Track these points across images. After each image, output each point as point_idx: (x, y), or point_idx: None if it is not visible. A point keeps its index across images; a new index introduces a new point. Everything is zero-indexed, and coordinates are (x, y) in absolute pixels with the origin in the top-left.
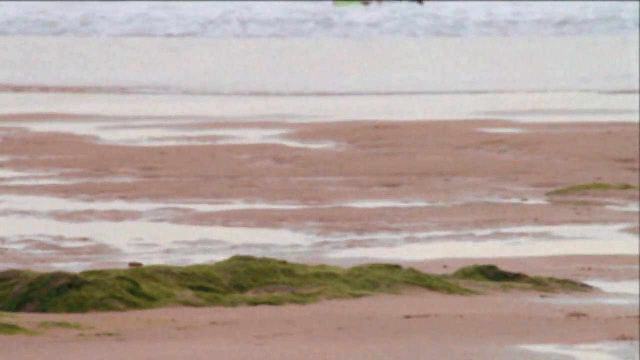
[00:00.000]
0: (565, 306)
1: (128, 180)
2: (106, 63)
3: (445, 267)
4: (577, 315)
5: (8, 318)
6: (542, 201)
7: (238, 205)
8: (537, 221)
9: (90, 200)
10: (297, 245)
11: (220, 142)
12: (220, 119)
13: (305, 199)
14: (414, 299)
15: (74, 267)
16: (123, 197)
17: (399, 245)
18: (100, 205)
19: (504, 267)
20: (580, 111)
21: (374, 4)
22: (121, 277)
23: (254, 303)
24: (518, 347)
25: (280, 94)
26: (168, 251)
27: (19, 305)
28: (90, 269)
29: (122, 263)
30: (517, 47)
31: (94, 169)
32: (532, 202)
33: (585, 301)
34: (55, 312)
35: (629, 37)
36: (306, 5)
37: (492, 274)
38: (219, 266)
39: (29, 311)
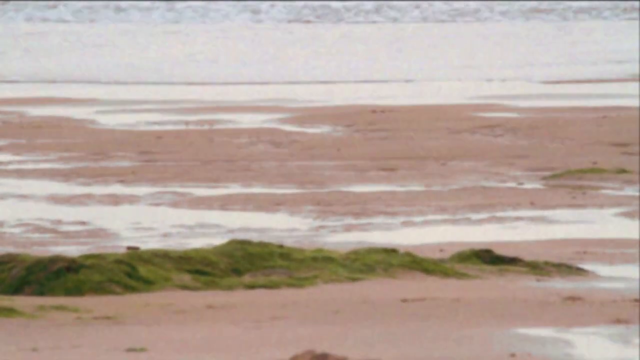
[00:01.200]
0: (561, 289)
1: (126, 164)
2: (110, 50)
3: (441, 250)
4: (573, 298)
5: (6, 301)
6: (538, 185)
7: (235, 189)
8: (533, 205)
9: (88, 184)
10: (294, 229)
11: (217, 127)
12: (218, 103)
13: (302, 183)
14: (410, 282)
15: (72, 250)
16: (121, 181)
17: (396, 229)
18: (98, 189)
19: (499, 251)
20: (576, 95)
21: None
22: (119, 261)
23: (251, 286)
24: (514, 330)
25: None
26: (165, 235)
27: (17, 288)
28: (88, 252)
29: (119, 247)
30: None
31: (92, 153)
32: (528, 186)
33: (581, 284)
34: (53, 295)
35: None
36: None
37: (488, 258)
38: (216, 250)
39: (27, 294)
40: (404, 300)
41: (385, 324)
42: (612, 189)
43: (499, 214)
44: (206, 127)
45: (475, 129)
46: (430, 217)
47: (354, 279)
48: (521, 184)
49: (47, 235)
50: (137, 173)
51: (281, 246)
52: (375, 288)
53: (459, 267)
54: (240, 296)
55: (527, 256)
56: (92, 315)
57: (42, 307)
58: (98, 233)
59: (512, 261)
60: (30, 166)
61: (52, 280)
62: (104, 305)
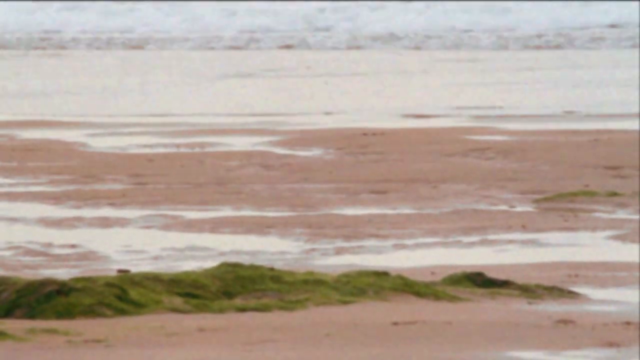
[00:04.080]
0: (553, 313)
1: (116, 187)
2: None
3: (432, 273)
4: (564, 321)
5: None
6: (529, 208)
7: (226, 211)
8: (524, 228)
9: (79, 207)
10: (285, 252)
11: (208, 149)
12: (209, 126)
13: (293, 205)
14: (402, 305)
15: (63, 273)
16: (111, 204)
17: (387, 252)
18: (89, 212)
19: (491, 274)
20: (567, 118)
21: None
22: (109, 284)
23: (242, 309)
24: (505, 353)
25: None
26: (156, 258)
27: (7, 311)
28: (78, 275)
29: (110, 270)
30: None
31: (83, 175)
32: (519, 209)
33: (573, 308)
34: (44, 318)
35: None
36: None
37: (479, 281)
38: (207, 273)
39: (17, 317)
40: (395, 324)
41: (376, 347)
42: (604, 212)
43: (491, 237)
44: (197, 149)
45: (466, 151)
46: (422, 240)
47: (345, 302)
48: (513, 207)
49: (38, 258)
50: (127, 196)
51: (272, 269)
52: (367, 311)
53: (451, 290)
54: (231, 319)
55: (518, 279)
56: (82, 338)
57: (32, 330)
58: (88, 256)
59: (504, 284)
60: (20, 189)
61: (42, 303)
62: (95, 328)
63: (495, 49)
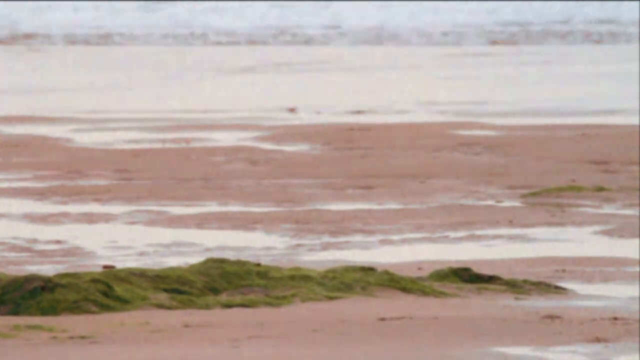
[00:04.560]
0: (540, 308)
1: (102, 182)
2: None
3: (419, 269)
4: (552, 317)
5: None
6: (516, 203)
7: (212, 207)
8: (511, 223)
9: (64, 203)
10: (271, 248)
11: (194, 144)
12: (195, 121)
13: (279, 201)
14: (388, 301)
15: (48, 269)
16: (97, 200)
17: (373, 248)
18: (74, 208)
19: (478, 269)
20: (554, 113)
21: None
22: (95, 280)
23: (228, 305)
24: (492, 349)
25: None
26: (142, 253)
27: None
28: (63, 271)
29: (95, 265)
30: None
31: (68, 171)
32: (506, 204)
33: (560, 303)
34: (28, 314)
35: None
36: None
37: (466, 276)
38: (193, 268)
39: (2, 314)
40: (382, 319)
41: (363, 343)
42: (591, 207)
43: (478, 232)
44: (183, 145)
45: (453, 146)
46: (409, 235)
47: (331, 298)
48: (500, 202)
49: (23, 254)
50: (113, 191)
51: (258, 265)
52: (353, 307)
53: (438, 285)
54: (217, 315)
55: (505, 274)
56: (67, 334)
57: (17, 327)
58: (74, 252)
59: (491, 279)
60: (5, 185)
61: (27, 299)
62: (80, 324)
63: (480, 44)
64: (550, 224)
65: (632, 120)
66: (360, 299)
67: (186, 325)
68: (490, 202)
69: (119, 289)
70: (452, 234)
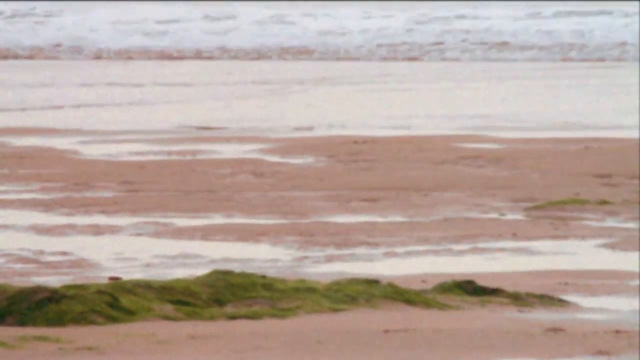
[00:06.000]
0: (543, 321)
1: (108, 194)
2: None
3: (423, 281)
4: (555, 329)
5: None
6: (519, 216)
7: (217, 219)
8: (514, 236)
9: (70, 215)
10: (276, 260)
11: (199, 157)
12: (200, 133)
13: (284, 213)
14: (393, 313)
15: (54, 280)
16: (103, 212)
17: (378, 260)
18: (80, 220)
19: (482, 282)
20: (558, 126)
21: None
22: (100, 291)
23: (233, 317)
24: None
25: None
26: (147, 265)
27: None
28: (69, 282)
29: (101, 277)
30: None
31: (74, 183)
32: (510, 217)
33: (563, 316)
34: (35, 325)
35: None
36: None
37: (470, 289)
38: (198, 280)
39: (9, 325)
40: (386, 331)
41: (367, 355)
42: (594, 220)
43: (481, 245)
44: (188, 157)
45: (457, 159)
46: (413, 247)
47: (336, 310)
48: (503, 215)
49: (29, 266)
50: (119, 203)
51: (263, 277)
52: (358, 319)
53: (441, 298)
54: (222, 326)
55: (509, 287)
56: (74, 345)
57: (24, 338)
58: (80, 263)
59: (494, 292)
60: (12, 196)
61: (34, 310)
62: (86, 335)
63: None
64: (553, 237)
65: (634, 134)
66: (365, 311)
67: (191, 337)
68: (494, 215)
69: (124, 301)
70: (455, 247)
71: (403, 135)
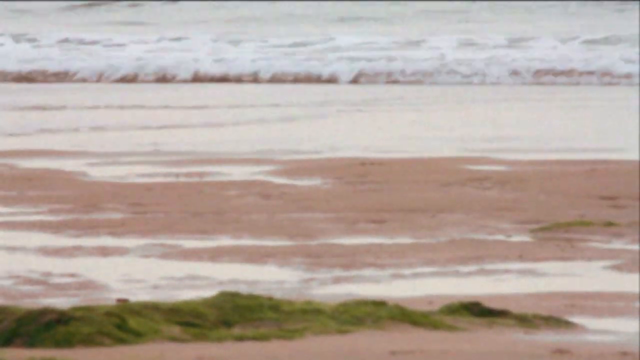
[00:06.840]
0: (549, 342)
1: (116, 216)
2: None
3: (430, 303)
4: (561, 351)
5: None
6: (526, 238)
7: (225, 241)
8: (521, 258)
9: (78, 236)
10: (283, 281)
11: (207, 179)
12: (208, 155)
13: (291, 235)
14: (399, 334)
15: (62, 302)
16: (111, 233)
17: (385, 282)
18: (88, 241)
19: (488, 304)
20: (564, 149)
21: None
22: (108, 313)
23: (241, 338)
24: None
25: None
26: (155, 287)
27: (7, 340)
28: (78, 304)
29: (109, 299)
30: None
31: (82, 205)
32: (516, 238)
33: (569, 338)
34: (43, 347)
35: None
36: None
37: (476, 310)
38: (206, 302)
39: (17, 346)
40: (393, 353)
41: None
42: (600, 242)
43: (488, 266)
44: (196, 179)
45: (464, 181)
46: (419, 269)
47: (343, 331)
48: (509, 236)
49: (37, 287)
50: (126, 225)
51: (271, 298)
52: (364, 340)
53: (448, 319)
54: (229, 348)
55: (515, 309)
56: None
57: (32, 359)
58: (88, 285)
59: (501, 314)
60: (20, 218)
61: (42, 332)
62: (94, 357)
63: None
64: (559, 259)
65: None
66: (372, 332)
67: (199, 358)
68: (500, 237)
69: (132, 322)
70: (462, 269)
71: (410, 157)
